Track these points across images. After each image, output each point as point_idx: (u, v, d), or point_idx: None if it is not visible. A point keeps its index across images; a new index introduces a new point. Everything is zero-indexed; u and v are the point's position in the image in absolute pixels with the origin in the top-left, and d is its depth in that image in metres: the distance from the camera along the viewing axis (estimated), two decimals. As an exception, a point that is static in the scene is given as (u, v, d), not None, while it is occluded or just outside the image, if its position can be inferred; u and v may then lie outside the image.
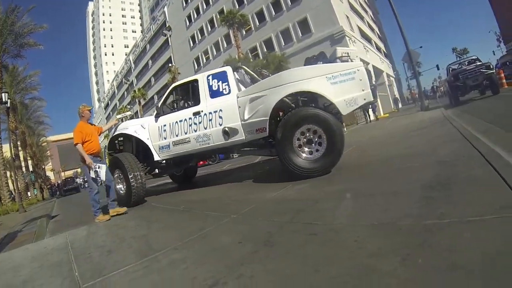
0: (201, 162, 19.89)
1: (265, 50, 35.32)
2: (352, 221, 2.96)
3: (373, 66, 38.13)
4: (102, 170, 6.34)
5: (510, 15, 50.61)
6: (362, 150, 8.60)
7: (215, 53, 45.36)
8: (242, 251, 2.83)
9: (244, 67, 8.56)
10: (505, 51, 56.98)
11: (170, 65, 48.53)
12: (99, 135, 7.19)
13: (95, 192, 6.44)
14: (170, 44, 55.75)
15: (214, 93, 7.07)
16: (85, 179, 7.32)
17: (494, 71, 16.47)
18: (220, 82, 7.06)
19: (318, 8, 31.64)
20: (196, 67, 48.66)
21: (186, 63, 49.26)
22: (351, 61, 6.81)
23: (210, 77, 7.23)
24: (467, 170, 3.75)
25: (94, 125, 7.23)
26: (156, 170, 9.02)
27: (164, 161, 8.26)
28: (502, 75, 20.03)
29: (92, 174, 6.27)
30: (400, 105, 44.90)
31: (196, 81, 7.47)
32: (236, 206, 4.88)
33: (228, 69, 7.21)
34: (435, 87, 47.83)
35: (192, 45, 50.26)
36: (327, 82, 5.70)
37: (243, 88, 7.17)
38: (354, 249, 2.29)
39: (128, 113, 9.46)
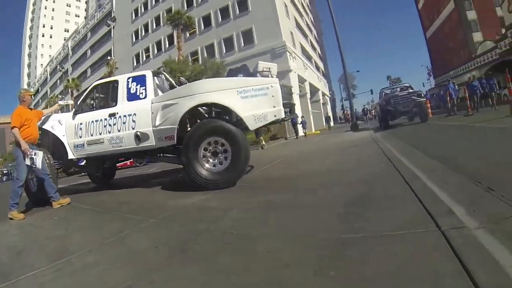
0: (128, 163, 19.28)
1: (206, 55, 34.83)
2: (268, 232, 2.98)
3: (310, 84, 39.65)
4: (39, 158, 5.89)
5: (441, 54, 57.38)
6: (289, 163, 8.78)
7: (156, 52, 43.82)
8: (158, 256, 2.80)
9: (164, 72, 8.49)
10: (433, 84, 63.31)
11: (109, 58, 46.61)
12: (40, 120, 6.80)
13: (20, 184, 5.87)
14: (112, 36, 52.75)
15: (131, 96, 6.95)
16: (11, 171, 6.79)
17: (424, 99, 17.46)
18: (139, 85, 6.97)
19: (264, 20, 32.01)
20: (135, 63, 46.48)
21: (126, 58, 46.94)
22: (272, 76, 6.85)
23: (130, 80, 7.13)
24: (387, 189, 3.98)
25: (34, 110, 6.81)
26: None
27: (82, 160, 7.92)
28: (429, 105, 21.48)
29: (28, 162, 5.75)
30: (332, 124, 46.43)
31: (116, 82, 7.32)
32: (156, 211, 4.78)
33: (148, 73, 7.16)
34: (366, 109, 50.05)
35: (134, 40, 48.11)
36: (237, 96, 5.73)
37: (161, 94, 7.13)
38: (267, 259, 2.34)
39: (71, 101, 9.10)
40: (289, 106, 6.35)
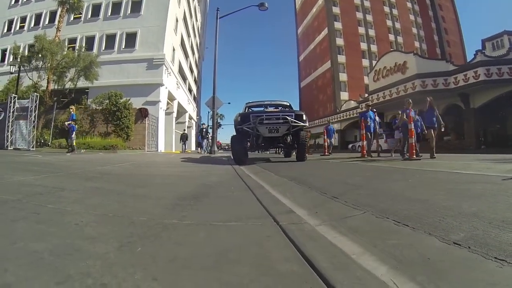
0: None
1: (84, 45, 30.72)
2: (85, 210, 2.66)
3: (179, 104, 39.14)
4: None
5: (310, 103, 68.74)
6: (137, 166, 8.26)
7: (32, 25, 36.43)
8: None
9: None
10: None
11: None
12: None
13: None
14: None
15: None
16: None
17: (306, 124, 10.54)
18: None
19: (151, 28, 31.40)
20: (5, 30, 38.07)
21: None
22: None
23: None
24: (227, 191, 3.95)
25: None
26: None
27: None
28: (326, 139, 19.70)
29: None
30: (193, 148, 45.18)
31: None
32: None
33: None
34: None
35: (13, 2, 39.41)
36: None
37: None
38: (71, 230, 2.10)
39: None
40: None
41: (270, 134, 10.22)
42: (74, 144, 16.27)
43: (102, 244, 1.80)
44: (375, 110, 15.85)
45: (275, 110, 12.02)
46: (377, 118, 15.12)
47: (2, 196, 3.09)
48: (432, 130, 11.66)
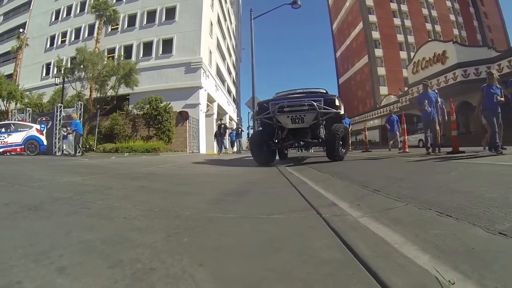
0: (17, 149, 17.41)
1: (123, 53, 32.14)
2: (132, 205, 2.77)
3: (219, 106, 39.39)
4: None
5: (350, 100, 64.68)
6: (180, 166, 8.31)
7: (73, 39, 38.32)
8: (6, 211, 2.54)
9: None
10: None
11: (21, 30, 41.66)
12: None
13: None
14: (31, 7, 44.40)
15: None
16: None
17: (341, 111, 8.53)
18: None
19: (187, 33, 31.82)
20: (48, 45, 40.32)
21: (40, 37, 40.79)
22: None
23: None
24: (269, 188, 4.03)
25: None
26: None
27: None
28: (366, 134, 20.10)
29: None
30: (235, 148, 45.10)
31: None
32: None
33: None
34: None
35: (53, 20, 41.57)
36: None
37: None
38: (120, 223, 2.20)
39: None
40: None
41: (294, 125, 8.13)
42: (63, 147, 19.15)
43: (149, 235, 1.88)
44: (436, 91, 11.83)
45: (300, 95, 9.39)
46: (439, 100, 11.08)
47: (55, 194, 3.29)
48: None
